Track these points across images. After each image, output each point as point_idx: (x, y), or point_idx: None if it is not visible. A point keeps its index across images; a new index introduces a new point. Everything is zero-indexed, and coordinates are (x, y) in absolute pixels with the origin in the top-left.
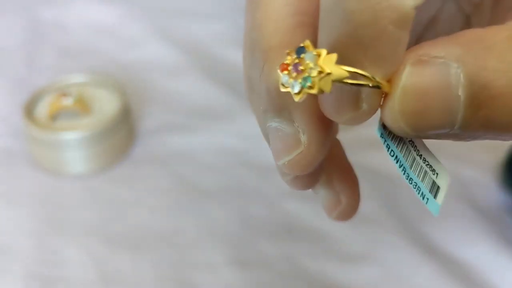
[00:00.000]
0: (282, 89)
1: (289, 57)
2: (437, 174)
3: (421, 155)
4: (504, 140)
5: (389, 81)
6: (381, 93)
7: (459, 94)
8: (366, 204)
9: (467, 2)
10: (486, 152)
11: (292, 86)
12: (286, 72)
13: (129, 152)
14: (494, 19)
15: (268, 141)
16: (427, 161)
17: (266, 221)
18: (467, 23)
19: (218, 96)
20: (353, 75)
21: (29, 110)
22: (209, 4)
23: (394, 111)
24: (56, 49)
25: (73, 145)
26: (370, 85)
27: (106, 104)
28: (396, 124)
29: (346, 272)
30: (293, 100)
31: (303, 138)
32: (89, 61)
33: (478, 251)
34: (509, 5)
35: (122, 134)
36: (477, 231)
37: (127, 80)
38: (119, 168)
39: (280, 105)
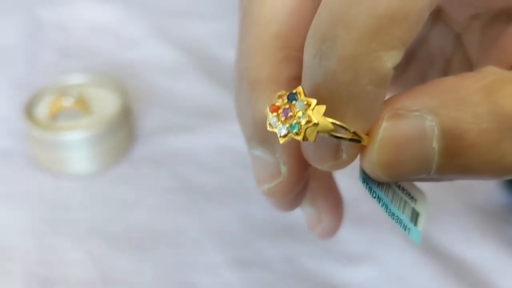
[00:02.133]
0: (269, 129)
1: (280, 100)
2: (415, 200)
3: (399, 185)
4: (482, 180)
5: (367, 133)
6: (360, 145)
7: (434, 146)
8: (366, 204)
9: (456, 24)
10: None
11: (280, 129)
12: (275, 114)
13: (129, 152)
14: (483, 44)
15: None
16: (405, 190)
17: (266, 221)
18: (459, 42)
19: (218, 96)
20: (336, 127)
21: (29, 110)
22: (209, 4)
23: (372, 163)
24: (56, 49)
25: (73, 145)
26: (351, 138)
27: (106, 104)
28: (375, 174)
29: (346, 272)
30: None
31: (283, 169)
32: (89, 61)
33: (478, 251)
34: (496, 33)
35: (122, 134)
36: (478, 231)
37: (127, 80)
38: (119, 168)
39: (264, 136)
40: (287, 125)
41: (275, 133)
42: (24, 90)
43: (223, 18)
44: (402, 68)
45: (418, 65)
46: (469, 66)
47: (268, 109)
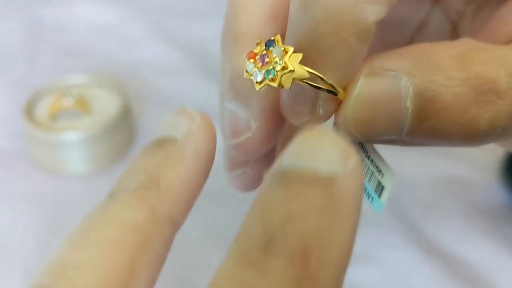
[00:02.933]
0: (246, 76)
1: (258, 47)
2: (382, 174)
3: (369, 156)
4: (448, 146)
5: (344, 89)
6: (336, 100)
7: (407, 105)
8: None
9: (452, 9)
10: (486, 151)
11: (255, 75)
12: (252, 60)
13: (129, 152)
14: (473, 28)
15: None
16: (375, 162)
17: None
18: (454, 28)
19: (218, 96)
20: (313, 77)
21: (29, 110)
22: (209, 4)
23: (347, 119)
24: (56, 49)
25: (73, 145)
26: (327, 89)
27: (106, 104)
28: (348, 130)
29: (346, 272)
30: (253, 87)
31: (254, 125)
32: (89, 61)
33: (478, 250)
34: (485, 17)
35: (122, 134)
36: (478, 230)
37: (127, 80)
38: (119, 168)
39: (239, 89)
40: (263, 71)
41: (251, 81)
42: (24, 90)
43: (223, 17)
44: None
45: None
46: None
47: (245, 56)
